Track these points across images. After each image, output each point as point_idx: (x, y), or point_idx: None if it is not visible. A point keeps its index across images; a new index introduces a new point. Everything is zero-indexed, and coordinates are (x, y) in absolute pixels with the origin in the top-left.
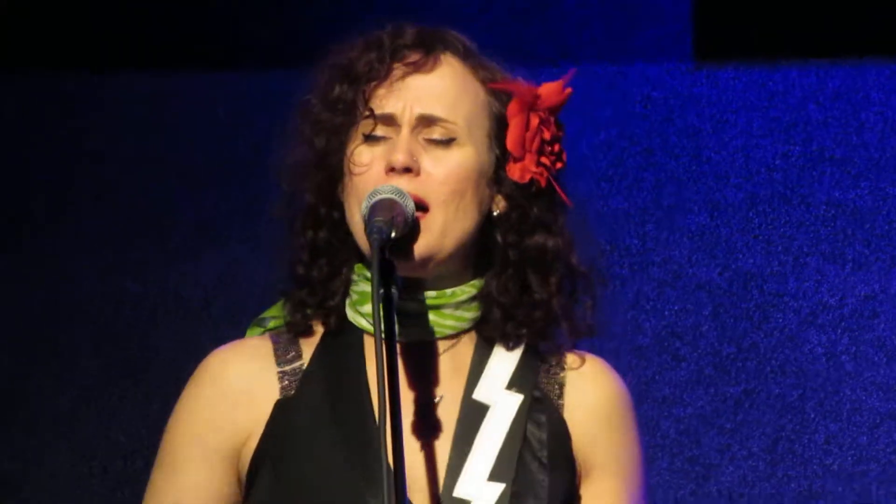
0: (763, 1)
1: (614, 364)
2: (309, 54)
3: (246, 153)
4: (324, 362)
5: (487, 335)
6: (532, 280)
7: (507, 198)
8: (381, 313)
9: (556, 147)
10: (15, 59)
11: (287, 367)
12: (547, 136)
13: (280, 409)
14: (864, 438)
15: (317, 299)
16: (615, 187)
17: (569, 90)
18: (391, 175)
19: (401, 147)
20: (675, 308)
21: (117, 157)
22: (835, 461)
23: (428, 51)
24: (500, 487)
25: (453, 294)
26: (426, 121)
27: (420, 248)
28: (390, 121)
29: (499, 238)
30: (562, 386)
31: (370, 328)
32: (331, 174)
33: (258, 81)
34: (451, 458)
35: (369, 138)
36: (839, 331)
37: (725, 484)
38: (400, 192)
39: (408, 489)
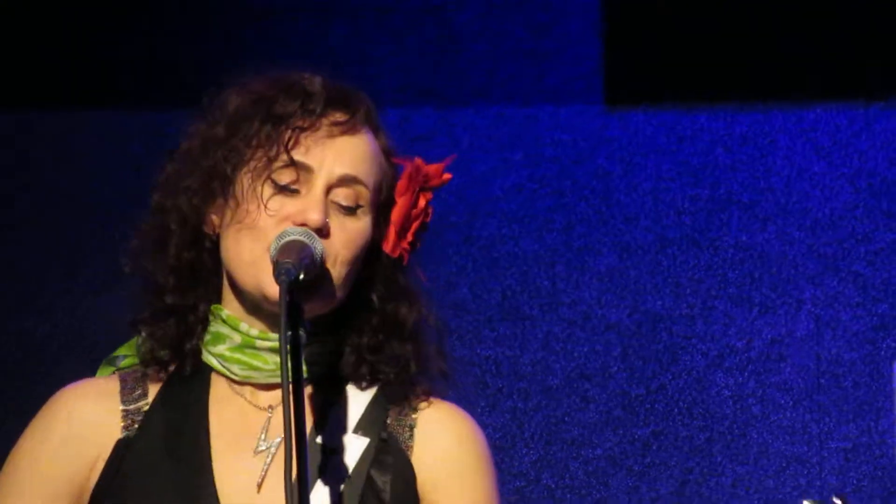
0: (672, 46)
1: (523, 405)
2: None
3: None
4: (166, 401)
5: (340, 376)
6: (394, 343)
7: (379, 265)
8: (288, 355)
9: (425, 227)
10: None
11: (131, 406)
12: (427, 218)
13: (119, 448)
14: (771, 482)
15: (170, 337)
16: (525, 228)
17: (448, 175)
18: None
19: (318, 206)
20: (585, 349)
21: (25, 193)
22: None
23: (352, 112)
24: None
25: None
26: (344, 181)
27: (318, 299)
28: (308, 173)
29: (369, 299)
30: (412, 428)
31: (221, 368)
32: (208, 198)
33: (171, 118)
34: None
35: (282, 187)
36: (746, 374)
37: None
38: (309, 235)
39: None
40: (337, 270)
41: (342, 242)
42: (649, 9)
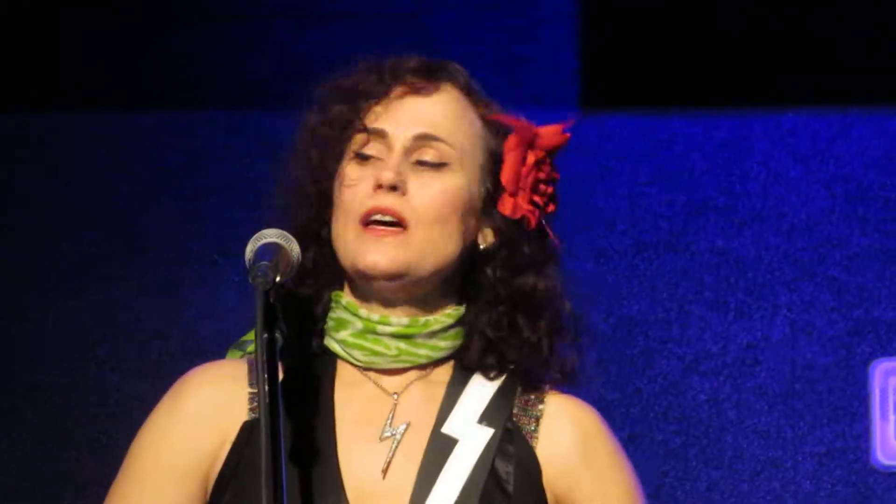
0: (649, 50)
1: None
2: (193, 97)
3: (130, 195)
4: (293, 385)
5: (467, 365)
6: (521, 319)
7: (497, 232)
8: (264, 357)
9: (550, 189)
10: None
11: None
12: (542, 175)
13: (245, 430)
14: (746, 486)
15: (297, 322)
16: None
17: (568, 134)
18: (378, 192)
19: (390, 165)
20: None
21: (6, 196)
22: None
23: (430, 78)
24: None
25: (426, 323)
26: (421, 140)
27: (394, 262)
28: (383, 138)
29: (488, 272)
30: (538, 420)
31: (344, 354)
32: (322, 191)
33: (142, 122)
34: (415, 490)
35: (360, 156)
36: (721, 378)
37: None
38: (285, 236)
39: None
40: (421, 232)
41: (425, 201)
42: (625, 14)
